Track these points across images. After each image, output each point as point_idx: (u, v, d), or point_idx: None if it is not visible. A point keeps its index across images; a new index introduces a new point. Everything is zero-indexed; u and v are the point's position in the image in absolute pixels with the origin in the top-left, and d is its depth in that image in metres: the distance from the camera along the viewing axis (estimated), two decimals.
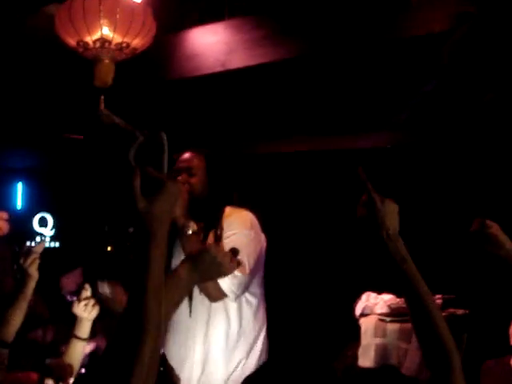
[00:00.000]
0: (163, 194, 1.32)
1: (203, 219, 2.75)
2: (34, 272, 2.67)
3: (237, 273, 2.54)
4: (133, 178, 1.32)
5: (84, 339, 2.77)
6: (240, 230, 2.75)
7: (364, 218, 1.63)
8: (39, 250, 2.71)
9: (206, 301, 2.71)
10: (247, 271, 2.66)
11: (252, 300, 2.79)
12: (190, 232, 2.61)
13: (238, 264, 1.91)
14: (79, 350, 2.75)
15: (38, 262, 2.70)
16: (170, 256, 2.68)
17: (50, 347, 3.43)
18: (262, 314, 2.88)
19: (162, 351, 2.86)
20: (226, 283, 2.60)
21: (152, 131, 1.40)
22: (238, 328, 2.76)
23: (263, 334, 2.87)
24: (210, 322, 2.75)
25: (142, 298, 1.25)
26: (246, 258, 2.65)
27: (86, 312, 2.74)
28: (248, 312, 2.80)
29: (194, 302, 2.75)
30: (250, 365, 2.79)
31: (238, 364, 2.77)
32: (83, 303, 2.74)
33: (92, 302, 2.75)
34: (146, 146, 1.39)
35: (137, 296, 1.26)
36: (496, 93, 3.59)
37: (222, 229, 2.73)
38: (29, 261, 2.66)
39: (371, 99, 4.62)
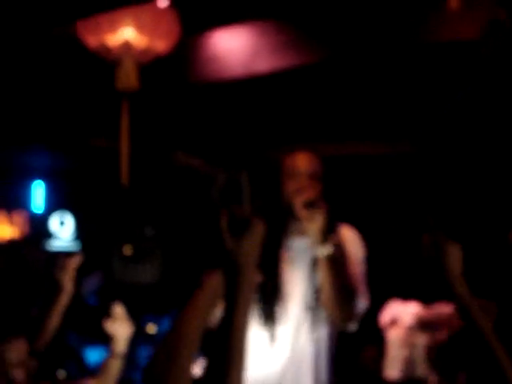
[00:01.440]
0: (250, 234, 1.36)
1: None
2: (67, 285, 2.65)
3: (365, 297, 2.37)
4: (220, 219, 1.36)
5: (120, 357, 2.69)
6: (361, 252, 2.52)
7: (431, 258, 1.71)
8: (75, 263, 2.66)
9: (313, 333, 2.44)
10: (368, 296, 2.44)
11: None
12: (327, 253, 2.28)
13: None
14: (116, 369, 2.69)
15: (74, 275, 2.66)
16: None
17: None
18: None
19: None
20: (359, 308, 2.36)
21: (233, 170, 1.44)
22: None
23: None
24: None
25: (228, 336, 1.30)
26: (366, 282, 2.45)
27: (118, 331, 2.66)
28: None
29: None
30: None
31: None
32: (114, 322, 2.66)
33: (123, 321, 2.68)
34: (226, 185, 1.44)
35: (223, 334, 1.30)
36: None
37: (342, 248, 2.40)
38: (63, 274, 2.63)
39: (396, 106, 4.55)
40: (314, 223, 2.23)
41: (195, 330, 1.40)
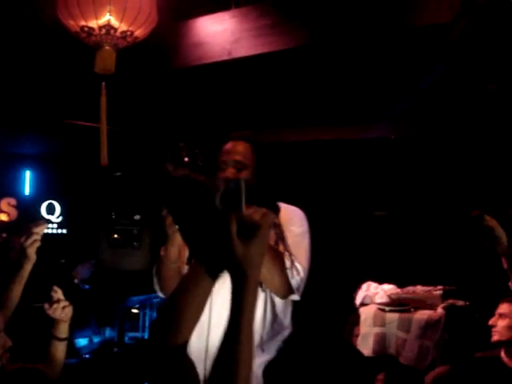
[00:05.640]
0: (258, 238, 1.34)
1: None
2: (32, 254, 2.66)
3: (300, 269, 2.50)
4: (229, 224, 1.34)
5: (63, 339, 2.74)
6: (299, 227, 2.66)
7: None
8: (40, 230, 2.69)
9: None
10: (307, 268, 2.58)
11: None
12: None
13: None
14: (61, 350, 2.73)
15: (38, 243, 2.68)
16: None
17: None
18: None
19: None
20: (295, 280, 2.50)
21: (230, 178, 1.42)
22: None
23: None
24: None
25: (235, 345, 1.26)
26: (305, 255, 2.59)
27: (58, 314, 2.68)
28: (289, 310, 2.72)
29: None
30: None
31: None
32: (54, 305, 2.68)
33: (62, 304, 2.69)
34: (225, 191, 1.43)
35: (229, 343, 1.28)
36: (499, 84, 3.59)
37: (280, 226, 2.58)
38: (29, 241, 2.64)
39: (375, 89, 4.61)
40: None
41: (194, 301, 1.44)
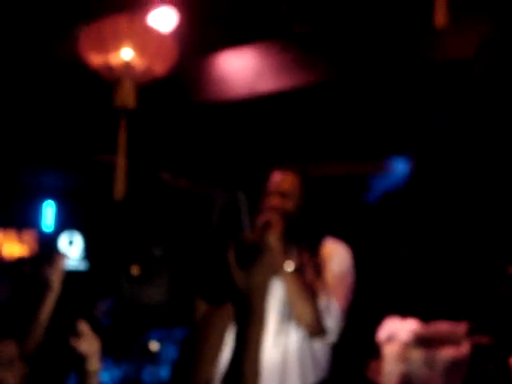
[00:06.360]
0: (261, 263, 1.24)
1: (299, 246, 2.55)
2: (56, 285, 2.66)
3: (336, 311, 2.43)
4: (228, 252, 1.23)
5: (95, 372, 2.60)
6: (340, 267, 2.55)
7: None
8: (64, 262, 2.68)
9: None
10: (344, 310, 2.49)
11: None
12: (290, 270, 2.37)
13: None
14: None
15: (62, 276, 2.68)
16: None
17: None
18: None
19: None
20: (328, 321, 2.41)
21: (228, 191, 1.31)
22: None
23: None
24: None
25: (240, 374, 1.20)
26: (343, 296, 2.50)
27: (84, 347, 2.56)
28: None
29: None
30: None
31: None
32: (81, 339, 2.55)
33: (88, 337, 2.56)
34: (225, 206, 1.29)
35: (235, 372, 1.22)
36: None
37: (321, 260, 2.53)
38: (53, 273, 2.65)
39: (395, 125, 4.59)
40: (267, 244, 2.23)
41: (217, 334, 1.40)
